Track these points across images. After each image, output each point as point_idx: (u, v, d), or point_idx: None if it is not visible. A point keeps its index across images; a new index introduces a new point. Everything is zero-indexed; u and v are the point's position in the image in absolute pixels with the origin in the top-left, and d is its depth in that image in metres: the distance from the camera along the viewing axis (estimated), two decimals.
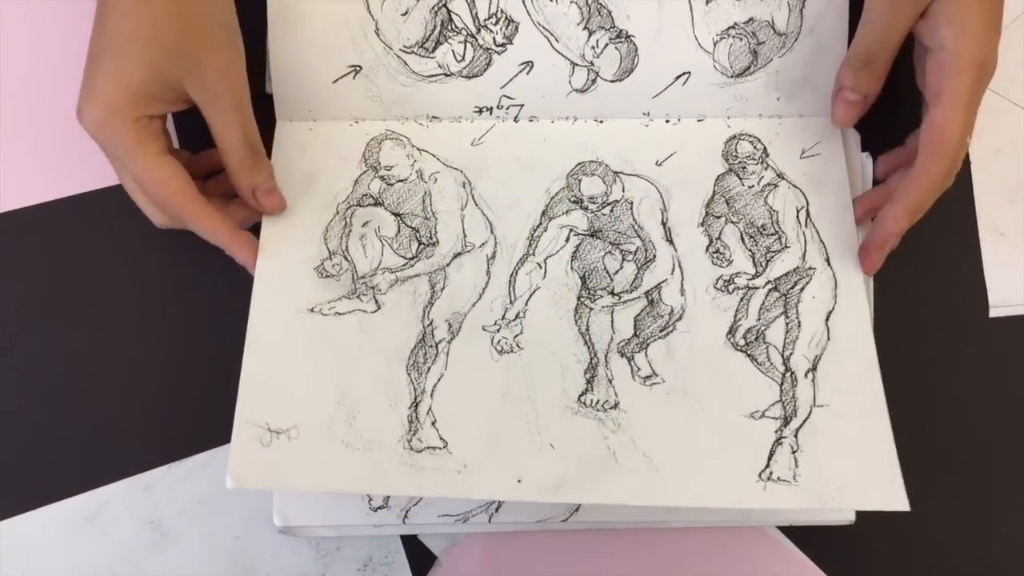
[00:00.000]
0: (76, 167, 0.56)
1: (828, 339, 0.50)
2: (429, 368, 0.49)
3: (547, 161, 0.54)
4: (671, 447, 0.47)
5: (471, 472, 0.47)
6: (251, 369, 0.49)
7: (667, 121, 0.55)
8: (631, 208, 0.53)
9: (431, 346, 0.50)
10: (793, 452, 0.48)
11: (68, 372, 0.53)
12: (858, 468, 0.47)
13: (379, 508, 0.51)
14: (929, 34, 0.48)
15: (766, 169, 0.54)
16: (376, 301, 0.51)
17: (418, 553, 0.52)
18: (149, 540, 0.52)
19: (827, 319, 0.50)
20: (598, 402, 0.49)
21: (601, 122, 0.55)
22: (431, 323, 0.50)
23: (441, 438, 0.48)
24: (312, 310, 0.50)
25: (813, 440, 0.48)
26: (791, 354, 0.50)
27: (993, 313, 0.55)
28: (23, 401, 0.53)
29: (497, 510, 0.51)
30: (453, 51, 0.54)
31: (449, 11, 0.53)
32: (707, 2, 0.53)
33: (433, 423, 0.48)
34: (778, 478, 0.47)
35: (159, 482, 0.52)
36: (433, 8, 0.53)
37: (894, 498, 0.46)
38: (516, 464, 0.47)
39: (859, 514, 0.51)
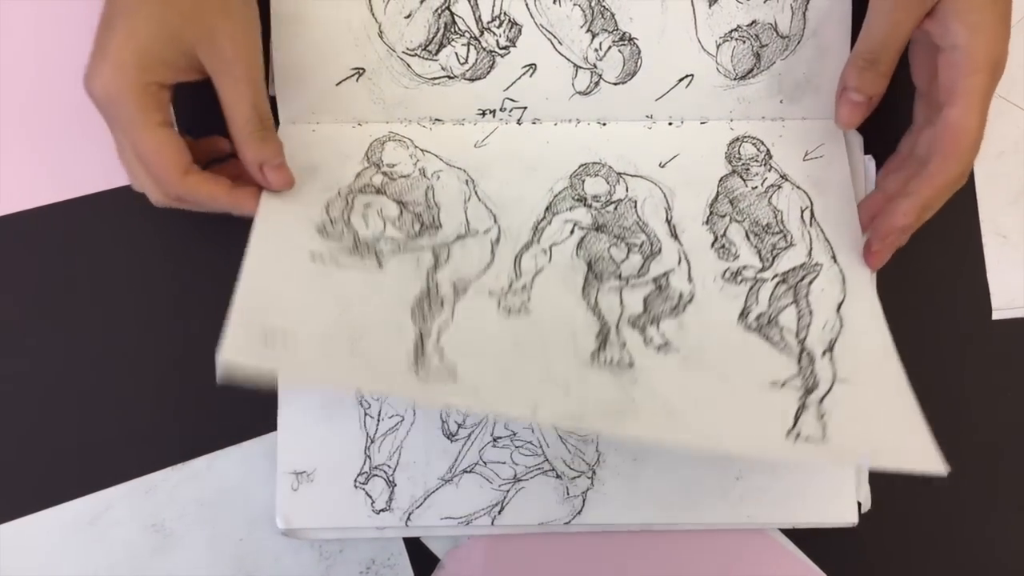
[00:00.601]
0: (79, 169, 0.55)
1: (841, 326, 0.49)
2: (435, 317, 0.48)
3: (550, 163, 0.54)
4: (694, 402, 0.45)
5: (483, 397, 0.44)
6: (249, 286, 0.45)
7: (670, 124, 0.55)
8: (635, 207, 0.53)
9: (437, 301, 0.48)
10: (821, 417, 0.46)
11: (70, 375, 0.53)
12: (889, 433, 0.45)
13: (382, 511, 0.51)
14: (940, 33, 0.47)
15: (769, 171, 0.54)
16: (379, 262, 0.49)
17: (421, 555, 0.52)
18: (151, 543, 0.52)
19: (838, 308, 0.50)
20: (612, 360, 0.47)
21: (604, 124, 0.55)
22: (436, 284, 0.49)
23: (450, 373, 0.45)
24: (313, 260, 0.48)
25: (838, 408, 0.46)
26: (806, 337, 0.49)
27: (996, 315, 0.55)
28: (25, 404, 0.53)
29: (500, 512, 0.51)
30: (456, 54, 0.54)
31: (452, 14, 0.53)
32: (710, 5, 0.53)
33: (440, 359, 0.46)
34: (807, 437, 0.45)
35: (162, 485, 0.52)
36: (436, 11, 0.53)
37: (930, 460, 0.44)
38: (530, 400, 0.45)
39: (862, 516, 0.51)
